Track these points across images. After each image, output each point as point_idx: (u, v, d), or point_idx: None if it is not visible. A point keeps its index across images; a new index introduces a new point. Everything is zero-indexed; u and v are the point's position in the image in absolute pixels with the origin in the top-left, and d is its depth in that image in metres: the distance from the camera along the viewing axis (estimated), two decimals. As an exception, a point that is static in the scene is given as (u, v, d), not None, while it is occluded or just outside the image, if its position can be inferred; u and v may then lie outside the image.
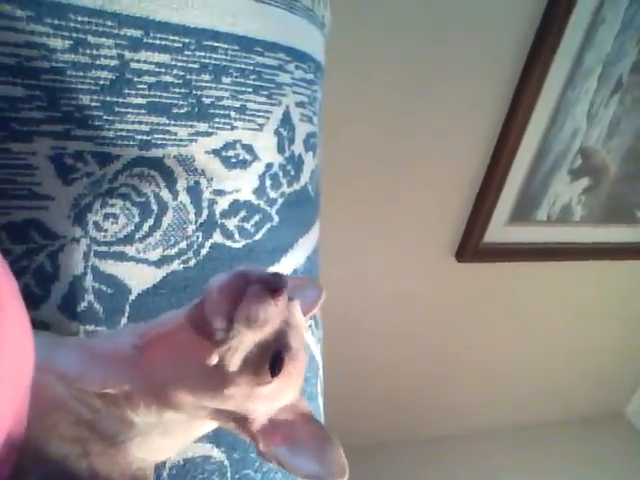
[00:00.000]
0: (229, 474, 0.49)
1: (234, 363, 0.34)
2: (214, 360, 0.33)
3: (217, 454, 0.49)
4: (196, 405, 0.36)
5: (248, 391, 0.34)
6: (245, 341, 0.33)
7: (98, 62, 0.41)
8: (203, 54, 0.46)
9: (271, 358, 0.34)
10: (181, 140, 0.46)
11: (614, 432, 2.05)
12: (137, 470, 0.37)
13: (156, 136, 0.45)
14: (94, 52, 0.41)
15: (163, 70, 0.44)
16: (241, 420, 0.37)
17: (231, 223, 0.51)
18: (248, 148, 0.50)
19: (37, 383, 0.33)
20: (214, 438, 0.49)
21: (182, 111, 0.46)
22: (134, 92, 0.43)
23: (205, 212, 0.49)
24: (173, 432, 0.38)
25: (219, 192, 0.50)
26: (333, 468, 0.35)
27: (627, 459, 1.92)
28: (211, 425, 0.40)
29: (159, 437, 0.38)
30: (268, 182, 0.52)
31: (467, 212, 1.35)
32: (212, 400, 0.35)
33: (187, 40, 0.45)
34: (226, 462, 0.49)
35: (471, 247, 1.37)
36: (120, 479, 0.36)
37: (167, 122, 0.45)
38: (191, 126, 0.47)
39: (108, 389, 0.36)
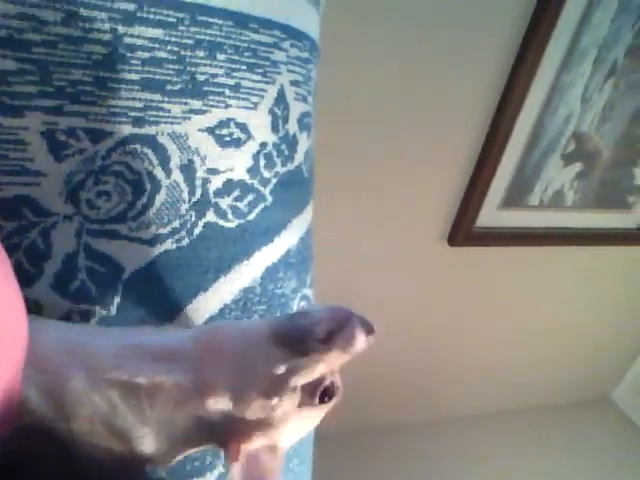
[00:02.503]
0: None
1: (301, 379, 0.37)
2: (281, 370, 0.36)
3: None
4: (225, 405, 0.37)
5: (288, 409, 0.37)
6: (327, 363, 0.37)
7: (91, 36, 0.40)
8: (197, 30, 0.45)
9: (324, 387, 0.37)
10: (175, 117, 0.46)
11: (601, 415, 2.08)
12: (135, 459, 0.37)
13: (149, 113, 0.45)
14: (87, 25, 0.40)
15: (157, 46, 0.43)
16: (235, 434, 0.37)
17: (224, 202, 0.50)
18: (242, 127, 0.50)
19: (57, 374, 0.35)
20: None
21: (176, 88, 0.45)
22: (127, 68, 0.43)
23: (199, 191, 0.49)
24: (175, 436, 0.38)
25: (213, 171, 0.49)
26: None
27: (614, 442, 1.95)
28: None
29: (164, 437, 0.37)
30: (262, 161, 0.52)
31: (459, 196, 1.35)
32: (251, 402, 0.36)
33: (181, 15, 0.44)
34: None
35: (463, 231, 1.37)
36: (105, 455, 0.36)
37: (161, 99, 0.45)
38: (185, 103, 0.46)
39: (142, 380, 0.36)
